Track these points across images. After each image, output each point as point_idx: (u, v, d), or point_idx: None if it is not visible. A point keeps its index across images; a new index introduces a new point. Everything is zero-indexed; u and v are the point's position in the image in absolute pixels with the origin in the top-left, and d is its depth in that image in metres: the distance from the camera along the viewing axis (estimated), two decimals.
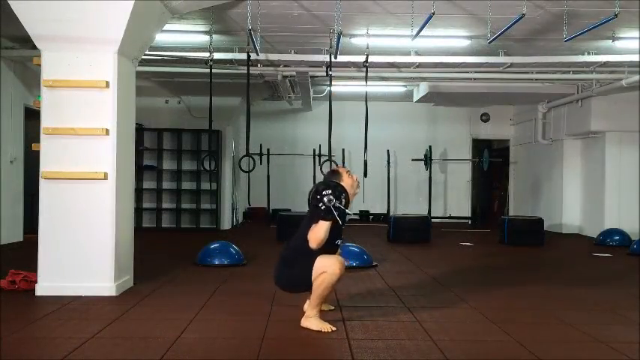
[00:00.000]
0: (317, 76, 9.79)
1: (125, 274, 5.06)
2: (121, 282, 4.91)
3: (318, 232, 3.75)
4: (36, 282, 4.75)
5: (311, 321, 3.80)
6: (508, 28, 6.07)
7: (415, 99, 11.88)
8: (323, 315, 3.90)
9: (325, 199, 3.71)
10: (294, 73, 9.39)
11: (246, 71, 7.82)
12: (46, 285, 4.70)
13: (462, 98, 11.96)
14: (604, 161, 10.47)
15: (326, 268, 3.72)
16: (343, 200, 3.77)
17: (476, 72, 9.19)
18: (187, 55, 8.27)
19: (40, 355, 3.21)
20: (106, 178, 4.77)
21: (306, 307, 3.95)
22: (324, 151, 10.51)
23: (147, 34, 5.31)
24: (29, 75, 8.60)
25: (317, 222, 3.77)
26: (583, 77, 9.42)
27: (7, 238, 8.23)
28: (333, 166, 4.16)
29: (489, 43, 6.66)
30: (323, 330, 3.72)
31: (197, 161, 11.20)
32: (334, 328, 3.76)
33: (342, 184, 3.94)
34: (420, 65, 8.81)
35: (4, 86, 8.19)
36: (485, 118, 14.11)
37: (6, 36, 7.81)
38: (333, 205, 3.69)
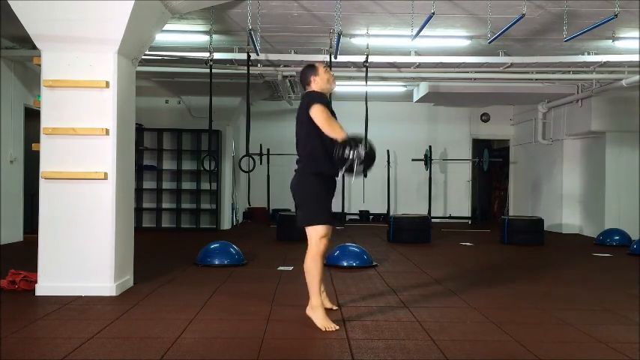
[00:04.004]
0: None
1: (125, 274, 5.06)
2: (121, 282, 4.91)
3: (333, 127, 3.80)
4: (36, 282, 4.75)
5: (316, 312, 3.81)
6: (508, 28, 6.08)
7: (415, 99, 11.89)
8: (326, 314, 3.90)
9: (352, 156, 3.65)
10: (294, 73, 9.38)
11: (246, 71, 7.82)
12: (46, 285, 4.70)
13: (462, 98, 11.96)
14: (604, 161, 10.47)
15: (307, 259, 3.85)
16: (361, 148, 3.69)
17: (476, 72, 9.18)
18: (187, 55, 8.28)
19: (40, 355, 3.21)
20: (106, 178, 4.77)
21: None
22: None
23: (147, 34, 5.31)
24: (29, 75, 8.61)
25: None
26: (583, 77, 9.41)
27: (7, 238, 8.24)
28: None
29: (489, 43, 6.68)
30: (327, 329, 3.72)
31: (197, 161, 11.21)
32: (337, 328, 3.76)
33: (317, 78, 3.93)
34: (420, 65, 8.81)
35: (4, 86, 8.19)
36: (485, 118, 14.11)
37: (6, 36, 7.82)
38: (366, 154, 3.68)
